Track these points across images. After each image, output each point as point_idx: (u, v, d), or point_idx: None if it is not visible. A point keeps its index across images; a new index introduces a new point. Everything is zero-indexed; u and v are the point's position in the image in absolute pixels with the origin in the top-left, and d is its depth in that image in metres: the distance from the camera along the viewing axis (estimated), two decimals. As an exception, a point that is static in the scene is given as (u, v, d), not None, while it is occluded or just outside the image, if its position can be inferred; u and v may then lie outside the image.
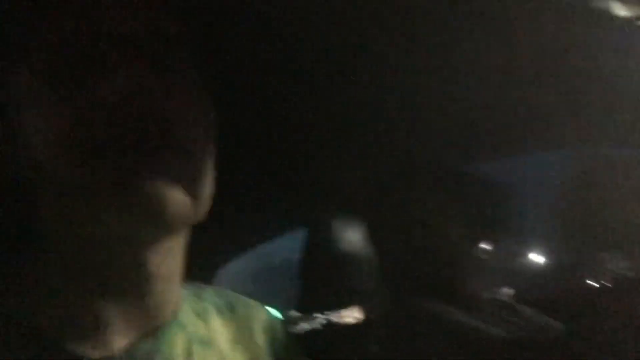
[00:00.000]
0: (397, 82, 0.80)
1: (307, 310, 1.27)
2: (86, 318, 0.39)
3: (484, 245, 0.90)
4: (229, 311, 0.53)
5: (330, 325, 1.33)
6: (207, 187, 0.41)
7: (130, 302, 0.40)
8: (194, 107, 0.40)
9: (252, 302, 0.57)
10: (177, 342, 0.44)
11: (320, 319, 1.48)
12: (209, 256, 1.28)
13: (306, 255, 1.27)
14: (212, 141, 0.43)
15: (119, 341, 0.40)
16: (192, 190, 0.38)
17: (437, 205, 0.91)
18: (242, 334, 0.52)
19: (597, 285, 0.94)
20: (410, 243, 0.92)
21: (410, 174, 0.95)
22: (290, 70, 0.72)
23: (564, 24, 0.71)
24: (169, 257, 0.42)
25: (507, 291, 1.16)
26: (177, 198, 0.36)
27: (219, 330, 0.50)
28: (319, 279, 1.24)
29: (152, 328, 0.42)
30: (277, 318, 0.58)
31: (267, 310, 0.57)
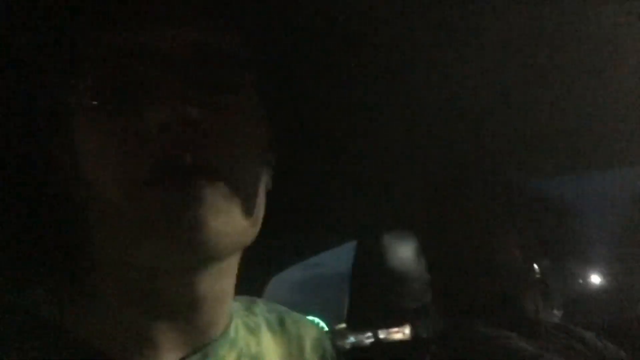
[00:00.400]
0: (455, 93, 0.79)
1: (355, 324, 1.26)
2: (136, 335, 0.39)
3: (543, 265, 0.86)
4: (280, 327, 0.53)
5: (378, 342, 1.31)
6: (256, 213, 0.40)
7: (179, 321, 0.40)
8: (245, 133, 0.39)
9: (303, 318, 0.57)
10: (227, 357, 0.44)
11: (368, 334, 1.46)
12: (261, 267, 1.30)
13: (356, 270, 1.26)
14: (263, 165, 0.42)
15: (170, 353, 0.40)
16: (238, 219, 0.37)
17: (494, 222, 0.88)
18: (292, 351, 0.52)
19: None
20: (464, 261, 0.89)
21: (467, 188, 0.92)
22: (342, 85, 0.72)
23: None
24: (219, 279, 0.41)
25: (567, 314, 1.09)
26: (219, 230, 0.35)
27: (270, 346, 0.50)
28: (368, 294, 1.22)
29: (202, 344, 0.42)
30: (327, 335, 0.57)
31: (318, 327, 0.57)
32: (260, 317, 0.52)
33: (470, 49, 0.68)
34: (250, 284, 0.53)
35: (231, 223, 0.36)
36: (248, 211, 0.38)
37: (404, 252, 1.17)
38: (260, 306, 0.54)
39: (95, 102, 0.36)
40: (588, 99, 0.85)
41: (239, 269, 0.46)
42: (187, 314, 0.40)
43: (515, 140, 0.96)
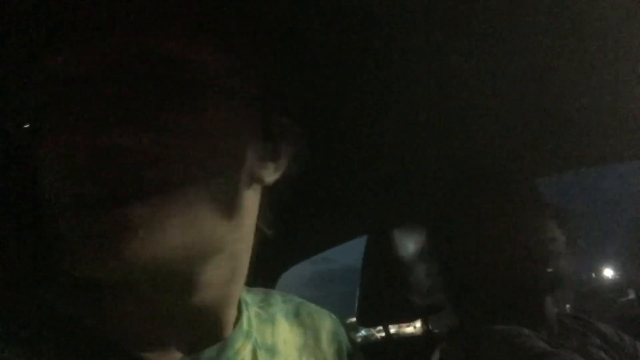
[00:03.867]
0: (467, 88, 0.78)
1: (365, 319, 1.26)
2: (148, 332, 0.40)
3: (560, 262, 0.85)
4: (296, 318, 0.53)
5: (389, 336, 1.31)
6: (221, 217, 0.38)
7: (187, 323, 0.40)
8: (187, 144, 0.36)
9: (319, 309, 0.57)
10: (242, 350, 0.44)
11: (379, 329, 1.46)
12: (273, 262, 1.30)
13: (366, 264, 1.26)
14: (228, 169, 0.40)
15: (183, 348, 0.40)
16: (185, 231, 0.36)
17: (509, 218, 0.87)
18: (309, 342, 0.52)
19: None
20: (478, 257, 0.88)
21: (481, 184, 0.91)
22: (360, 86, 0.72)
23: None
24: (213, 288, 0.40)
25: (581, 308, 1.08)
26: (142, 254, 0.34)
27: (287, 337, 0.50)
28: (378, 289, 1.22)
29: (214, 339, 0.42)
30: (342, 326, 0.57)
31: (334, 319, 0.57)
32: (276, 308, 0.52)
33: (479, 44, 0.67)
34: (261, 279, 0.53)
35: (170, 234, 0.35)
36: (208, 216, 0.37)
37: (415, 247, 1.17)
38: (276, 297, 0.55)
39: (25, 127, 0.35)
40: (601, 92, 0.84)
41: (250, 266, 0.46)
42: (187, 323, 0.40)
43: (529, 135, 0.95)
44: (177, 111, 0.35)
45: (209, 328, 0.42)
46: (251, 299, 0.51)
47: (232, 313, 0.45)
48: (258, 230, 0.46)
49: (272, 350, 0.47)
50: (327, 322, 0.55)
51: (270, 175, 0.44)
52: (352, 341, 0.56)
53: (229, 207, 0.39)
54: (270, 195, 0.47)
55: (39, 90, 0.35)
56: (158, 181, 0.34)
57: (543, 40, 0.68)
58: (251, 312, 0.48)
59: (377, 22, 0.58)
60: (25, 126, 0.36)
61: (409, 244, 1.17)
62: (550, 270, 0.82)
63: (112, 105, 0.33)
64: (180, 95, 0.35)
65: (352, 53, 0.63)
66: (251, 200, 0.43)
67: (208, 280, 0.39)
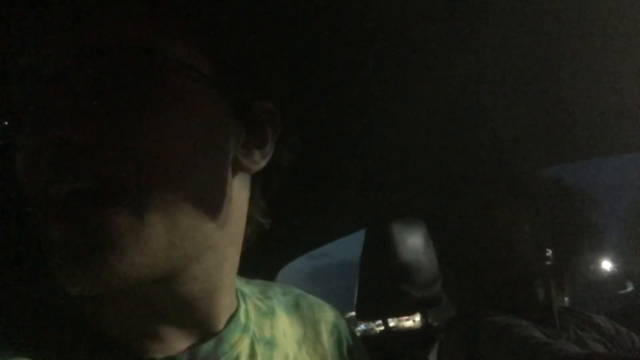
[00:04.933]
0: (467, 82, 0.78)
1: (364, 313, 1.26)
2: (144, 327, 0.39)
3: (557, 254, 0.85)
4: (296, 310, 0.53)
5: (388, 330, 1.31)
6: (209, 212, 0.37)
7: (177, 318, 0.40)
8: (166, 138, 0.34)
9: (318, 301, 0.56)
10: (239, 343, 0.43)
11: (378, 322, 1.47)
12: (271, 257, 1.30)
13: (365, 258, 1.26)
14: (215, 163, 0.38)
15: (179, 344, 0.40)
16: (171, 228, 0.34)
17: (506, 210, 0.87)
18: (308, 334, 0.51)
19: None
20: (476, 249, 0.88)
21: (479, 177, 0.92)
22: (359, 79, 0.72)
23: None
24: (200, 280, 0.39)
25: (578, 300, 1.09)
26: (126, 255, 0.32)
27: (286, 329, 0.50)
28: (377, 282, 1.22)
29: (211, 332, 0.42)
30: (342, 318, 0.57)
31: (333, 310, 0.57)
32: (275, 301, 0.52)
33: (480, 39, 0.67)
34: (260, 274, 0.53)
35: (150, 244, 0.33)
36: (191, 213, 0.35)
37: (413, 240, 1.17)
38: (275, 289, 0.54)
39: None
40: (600, 84, 0.84)
41: (249, 260, 0.46)
42: (181, 312, 0.40)
43: (527, 127, 0.95)
44: (149, 102, 0.33)
45: (203, 320, 0.42)
46: (250, 290, 0.51)
47: (227, 304, 0.44)
48: (253, 220, 0.46)
49: (271, 344, 0.47)
50: (326, 314, 0.55)
51: (257, 162, 0.43)
52: (352, 333, 0.56)
53: (214, 201, 0.38)
54: (262, 182, 0.46)
55: (14, 87, 0.34)
56: (135, 180, 0.32)
57: (543, 35, 0.67)
58: (249, 305, 0.48)
59: (381, 16, 0.58)
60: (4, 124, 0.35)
61: (408, 237, 1.17)
62: (548, 263, 0.82)
63: (83, 99, 0.32)
64: (152, 85, 0.34)
65: (353, 47, 0.63)
66: (239, 190, 0.42)
67: (196, 274, 0.38)
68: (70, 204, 0.31)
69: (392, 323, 1.33)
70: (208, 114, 0.38)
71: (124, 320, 0.39)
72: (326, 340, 0.52)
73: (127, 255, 0.32)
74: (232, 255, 0.43)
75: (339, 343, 0.53)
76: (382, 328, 1.35)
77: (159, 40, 0.35)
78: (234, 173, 0.41)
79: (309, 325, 0.52)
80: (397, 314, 1.27)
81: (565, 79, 0.81)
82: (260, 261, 0.46)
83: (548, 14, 0.63)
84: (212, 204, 0.38)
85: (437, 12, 0.60)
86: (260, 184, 0.46)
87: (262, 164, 0.43)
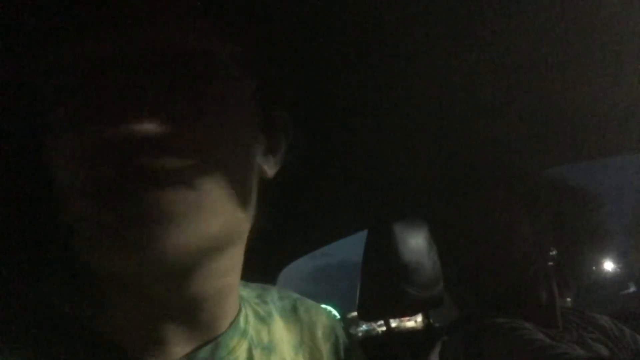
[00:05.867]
0: (466, 80, 0.78)
1: (366, 313, 1.26)
2: (144, 331, 0.39)
3: (559, 255, 0.85)
4: (292, 314, 0.53)
5: (390, 330, 1.31)
6: (243, 205, 0.39)
7: (183, 320, 0.40)
8: (217, 131, 0.37)
9: (315, 305, 0.56)
10: (237, 348, 0.43)
11: (380, 323, 1.47)
12: (273, 258, 1.30)
13: (367, 258, 1.26)
14: (248, 157, 0.41)
15: (179, 348, 0.40)
16: (213, 218, 0.36)
17: (509, 211, 0.87)
18: (304, 338, 0.51)
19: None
20: (478, 250, 0.88)
21: (481, 178, 0.91)
22: (360, 82, 0.72)
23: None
24: (216, 275, 0.40)
25: (581, 301, 1.08)
26: (182, 238, 0.33)
27: (282, 334, 0.50)
28: (379, 283, 1.22)
29: (211, 337, 0.42)
30: (339, 322, 0.56)
31: (330, 314, 0.56)
32: (272, 305, 0.52)
33: (480, 39, 0.67)
34: (262, 274, 0.52)
35: (203, 226, 0.35)
36: (230, 206, 0.37)
37: (415, 241, 1.17)
38: (272, 294, 0.54)
39: (54, 111, 0.34)
40: (601, 86, 0.84)
41: (251, 261, 0.46)
42: (189, 313, 0.40)
43: (529, 127, 0.94)
44: (207, 102, 0.36)
45: (208, 323, 0.42)
46: (248, 294, 0.51)
47: (231, 306, 0.44)
48: (257, 223, 0.46)
49: (268, 349, 0.46)
50: (323, 318, 0.54)
51: (271, 168, 0.45)
52: (349, 336, 0.56)
53: (244, 196, 0.39)
54: (262, 187, 0.47)
55: (64, 76, 0.35)
56: (192, 167, 0.34)
57: (543, 35, 0.67)
58: (248, 309, 0.48)
59: (380, 19, 0.58)
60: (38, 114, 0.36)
61: (410, 238, 1.17)
62: (551, 264, 0.82)
63: (149, 92, 0.34)
64: (208, 87, 0.36)
65: (355, 50, 0.63)
66: (254, 192, 0.43)
67: (212, 271, 0.39)
68: (134, 182, 0.33)
69: (394, 323, 1.33)
70: (246, 119, 0.40)
71: (125, 323, 0.39)
72: (323, 344, 0.52)
73: (185, 230, 0.34)
74: (241, 254, 0.44)
75: (336, 347, 0.53)
76: (384, 328, 1.35)
77: (217, 46, 0.38)
78: (256, 176, 0.43)
79: (306, 329, 0.52)
80: (399, 314, 1.27)
81: (569, 79, 0.81)
82: (263, 261, 0.46)
83: (551, 13, 0.63)
84: (242, 199, 0.39)
85: (444, 14, 0.60)
86: (262, 188, 0.47)
87: (276, 169, 0.45)
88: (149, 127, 0.33)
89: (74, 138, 0.33)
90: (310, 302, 0.56)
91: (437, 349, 0.87)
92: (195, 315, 0.40)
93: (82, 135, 0.33)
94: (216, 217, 0.36)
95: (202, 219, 0.35)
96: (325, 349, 0.52)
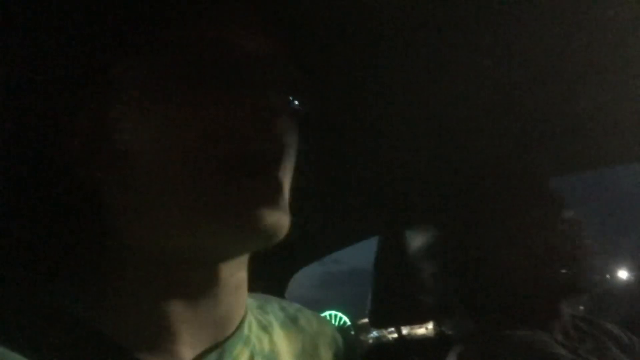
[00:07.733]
0: (478, 90, 0.77)
1: (377, 320, 1.26)
2: (157, 328, 0.39)
3: (572, 264, 0.83)
4: (294, 325, 0.53)
5: (401, 338, 1.30)
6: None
7: (199, 312, 0.41)
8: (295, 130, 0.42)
9: (317, 315, 0.56)
10: (240, 357, 0.43)
11: (390, 330, 1.46)
12: (284, 264, 1.30)
13: (378, 265, 1.25)
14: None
15: (185, 352, 0.40)
16: (287, 208, 0.40)
17: (522, 220, 0.86)
18: (306, 349, 0.51)
19: None
20: (493, 259, 0.87)
21: (494, 186, 0.90)
22: (371, 88, 0.72)
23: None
24: (238, 268, 0.43)
25: (593, 310, 1.07)
26: (286, 218, 0.38)
27: (283, 344, 0.50)
28: (390, 290, 1.22)
29: (218, 340, 0.42)
30: (341, 333, 0.56)
31: (331, 324, 0.57)
32: (272, 316, 0.52)
33: (485, 45, 0.67)
34: (272, 281, 0.52)
35: (285, 213, 0.39)
36: (287, 200, 0.41)
37: (427, 248, 1.16)
38: (273, 304, 0.54)
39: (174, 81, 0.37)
40: (616, 92, 0.83)
41: (261, 267, 0.46)
42: (208, 303, 0.41)
43: (544, 135, 0.94)
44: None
45: (219, 319, 0.42)
46: (250, 304, 0.50)
47: (242, 305, 0.45)
48: None
49: (269, 358, 0.47)
50: (324, 328, 0.54)
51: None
52: (351, 346, 0.56)
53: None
54: None
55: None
56: (287, 162, 0.40)
57: (549, 40, 0.67)
58: (252, 317, 0.48)
59: (392, 25, 0.58)
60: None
61: (422, 245, 1.16)
62: (567, 272, 0.81)
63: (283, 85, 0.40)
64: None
65: (365, 56, 0.63)
66: None
67: (240, 261, 0.43)
68: (264, 160, 0.38)
69: (405, 331, 1.32)
70: None
71: (132, 326, 0.39)
72: (324, 354, 0.52)
73: (286, 216, 0.39)
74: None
75: (337, 357, 0.53)
76: (394, 335, 1.34)
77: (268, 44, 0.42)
78: None
79: (307, 339, 0.52)
80: (411, 321, 1.26)
81: (578, 87, 0.80)
82: (273, 267, 0.46)
83: (557, 19, 0.63)
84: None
85: (456, 17, 0.59)
86: None
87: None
88: (285, 121, 0.39)
89: (212, 107, 0.36)
90: (311, 312, 0.56)
91: (451, 358, 0.85)
92: (213, 306, 0.41)
93: (227, 106, 0.37)
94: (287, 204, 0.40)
95: (287, 205, 0.40)
96: (326, 358, 0.52)
